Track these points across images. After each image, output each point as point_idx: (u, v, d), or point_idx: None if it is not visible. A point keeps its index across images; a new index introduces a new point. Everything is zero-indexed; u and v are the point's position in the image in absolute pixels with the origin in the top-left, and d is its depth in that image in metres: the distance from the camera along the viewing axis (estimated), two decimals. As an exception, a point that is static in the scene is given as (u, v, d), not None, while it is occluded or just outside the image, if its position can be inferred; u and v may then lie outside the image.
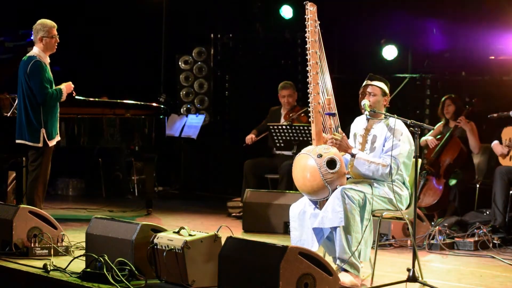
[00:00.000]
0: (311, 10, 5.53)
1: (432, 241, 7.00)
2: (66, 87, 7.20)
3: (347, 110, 5.89)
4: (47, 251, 6.10)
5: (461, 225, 7.70)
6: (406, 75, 9.94)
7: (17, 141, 7.18)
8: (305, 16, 5.52)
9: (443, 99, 8.43)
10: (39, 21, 7.15)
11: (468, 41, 9.50)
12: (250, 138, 8.98)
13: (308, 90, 5.49)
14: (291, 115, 8.77)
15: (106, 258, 5.21)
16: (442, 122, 8.42)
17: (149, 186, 9.29)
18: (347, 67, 10.10)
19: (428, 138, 8.28)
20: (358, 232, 5.27)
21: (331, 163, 5.33)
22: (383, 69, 9.40)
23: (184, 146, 11.57)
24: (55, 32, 7.12)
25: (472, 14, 9.30)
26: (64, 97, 7.15)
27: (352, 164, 5.51)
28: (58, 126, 7.23)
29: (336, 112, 5.51)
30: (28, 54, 7.19)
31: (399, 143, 5.46)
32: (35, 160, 7.10)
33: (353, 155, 5.47)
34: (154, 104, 9.27)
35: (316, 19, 5.52)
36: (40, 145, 7.04)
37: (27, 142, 7.08)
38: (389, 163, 5.40)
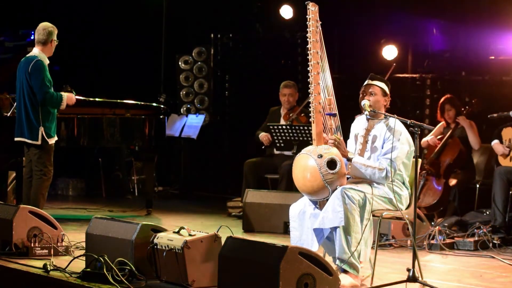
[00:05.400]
0: (312, 10, 5.52)
1: (432, 241, 6.99)
2: (68, 97, 7.25)
3: (347, 110, 5.89)
4: (47, 251, 6.10)
5: (461, 225, 7.70)
6: (407, 75, 9.95)
7: (16, 138, 7.24)
8: (307, 16, 5.51)
9: (441, 101, 8.39)
10: (49, 24, 7.22)
11: (468, 41, 9.50)
12: (267, 136, 8.71)
13: (309, 90, 5.49)
14: (291, 115, 8.77)
15: (106, 258, 5.21)
16: (442, 123, 8.41)
17: (149, 186, 9.29)
18: (347, 67, 10.09)
19: (429, 138, 8.25)
20: (358, 232, 5.27)
21: (332, 164, 5.33)
22: (383, 69, 9.39)
23: (184, 146, 11.56)
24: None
25: (472, 14, 9.30)
26: (64, 105, 7.22)
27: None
28: (55, 127, 7.26)
29: (337, 112, 5.51)
30: (28, 54, 7.24)
31: (398, 144, 5.45)
32: (39, 159, 7.15)
33: (349, 160, 5.47)
34: (154, 104, 9.28)
35: (318, 19, 5.51)
36: (39, 143, 7.11)
37: (26, 140, 7.15)
38: (385, 166, 5.40)
